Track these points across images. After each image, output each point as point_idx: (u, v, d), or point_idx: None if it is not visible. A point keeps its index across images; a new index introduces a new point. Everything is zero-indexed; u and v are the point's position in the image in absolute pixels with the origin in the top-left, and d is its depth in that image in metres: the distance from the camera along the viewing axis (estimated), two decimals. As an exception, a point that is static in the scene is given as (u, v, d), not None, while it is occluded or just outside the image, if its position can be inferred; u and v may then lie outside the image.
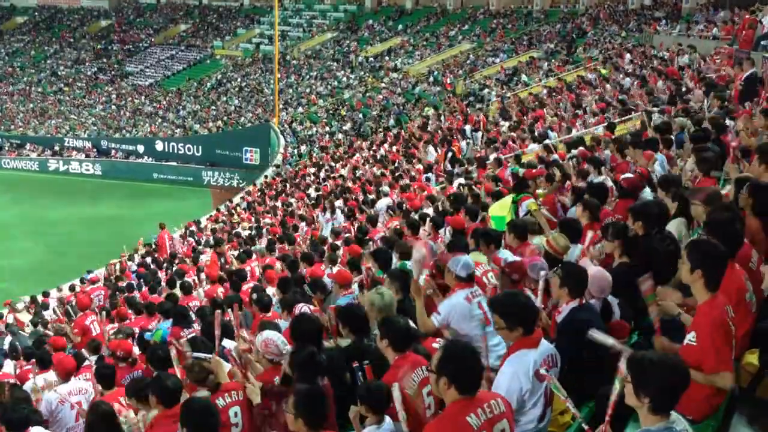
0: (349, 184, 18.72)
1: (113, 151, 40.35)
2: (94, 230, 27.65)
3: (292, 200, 20.96)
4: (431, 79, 35.50)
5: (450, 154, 17.02)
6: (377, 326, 4.70)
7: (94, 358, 7.71)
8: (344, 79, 40.47)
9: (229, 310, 5.69)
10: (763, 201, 5.00)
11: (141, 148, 39.61)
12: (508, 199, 8.63)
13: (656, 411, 2.99)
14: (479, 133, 20.42)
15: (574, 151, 11.21)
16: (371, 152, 23.60)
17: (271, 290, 8.43)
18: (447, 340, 4.48)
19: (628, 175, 7.80)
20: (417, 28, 42.98)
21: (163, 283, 12.83)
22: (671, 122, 10.40)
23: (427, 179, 15.23)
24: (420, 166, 16.86)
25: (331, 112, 37.52)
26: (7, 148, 42.37)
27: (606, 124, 13.87)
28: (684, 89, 14.52)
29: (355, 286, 7.05)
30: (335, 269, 8.39)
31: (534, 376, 3.86)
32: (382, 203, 13.62)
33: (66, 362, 6.93)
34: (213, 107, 43.24)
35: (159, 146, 39.01)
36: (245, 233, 17.37)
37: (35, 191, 34.54)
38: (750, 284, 4.26)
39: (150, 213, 27.92)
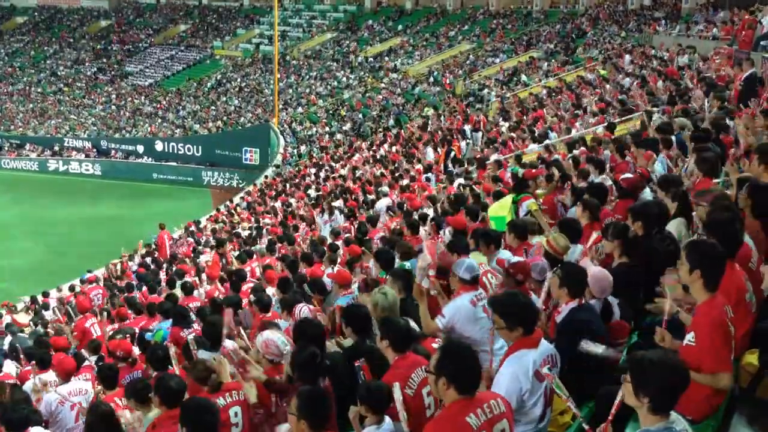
0: (349, 184, 18.72)
1: (113, 152, 40.35)
2: (94, 230, 27.64)
3: (292, 200, 20.97)
4: (431, 79, 35.50)
5: (452, 154, 17.04)
6: (377, 326, 4.70)
7: (94, 358, 7.71)
8: (344, 79, 40.48)
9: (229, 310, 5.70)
10: (762, 202, 4.99)
11: (141, 149, 39.60)
12: (508, 200, 8.64)
13: (656, 411, 2.99)
14: (479, 134, 20.45)
15: (575, 152, 11.22)
16: (371, 152, 23.61)
17: (270, 290, 8.43)
18: (445, 341, 4.48)
19: (628, 175, 7.80)
20: (417, 28, 42.98)
21: (163, 284, 12.83)
22: (672, 122, 10.40)
23: (427, 179, 15.24)
24: (420, 166, 16.87)
25: (330, 112, 37.53)
26: (6, 148, 42.37)
27: (606, 124, 13.87)
28: (683, 89, 14.50)
29: (354, 286, 7.06)
30: (335, 269, 8.40)
31: (534, 376, 3.86)
32: (382, 204, 13.62)
33: (66, 363, 6.93)
34: (213, 107, 43.24)
35: (159, 146, 39.01)
36: (245, 233, 17.37)
37: (35, 191, 34.53)
38: (750, 284, 4.26)
39: (150, 213, 27.90)
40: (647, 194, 7.36)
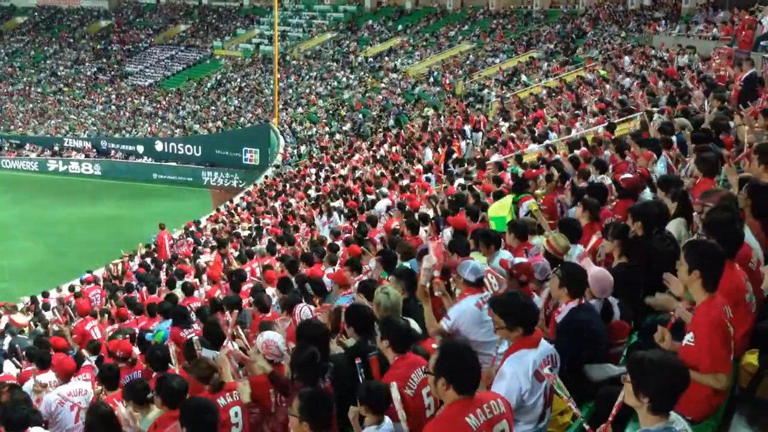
0: (350, 184, 18.72)
1: (113, 152, 40.36)
2: (94, 230, 27.65)
3: (292, 201, 20.97)
4: (431, 79, 35.50)
5: (453, 155, 17.03)
6: (378, 326, 4.69)
7: (93, 358, 7.71)
8: (344, 79, 40.48)
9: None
10: (762, 202, 4.99)
11: (141, 149, 39.61)
12: (508, 200, 8.64)
13: (656, 411, 2.99)
14: (479, 134, 20.45)
15: (576, 152, 11.21)
16: (371, 153, 23.61)
17: (270, 290, 8.43)
18: (445, 341, 4.47)
19: (628, 175, 7.80)
20: (417, 28, 42.98)
21: (163, 284, 12.83)
22: (672, 122, 10.40)
23: (428, 179, 15.23)
24: (420, 167, 16.87)
25: (330, 112, 37.53)
26: (6, 148, 42.38)
27: (606, 124, 13.87)
28: (683, 89, 14.50)
29: (354, 287, 7.05)
30: (335, 269, 8.40)
31: (534, 376, 3.85)
32: (382, 204, 13.62)
33: (66, 363, 6.92)
34: (213, 107, 43.24)
35: (159, 146, 39.02)
36: (245, 233, 17.38)
37: (35, 191, 34.53)
38: (750, 285, 4.25)
39: (150, 213, 27.91)
40: (647, 194, 7.35)
